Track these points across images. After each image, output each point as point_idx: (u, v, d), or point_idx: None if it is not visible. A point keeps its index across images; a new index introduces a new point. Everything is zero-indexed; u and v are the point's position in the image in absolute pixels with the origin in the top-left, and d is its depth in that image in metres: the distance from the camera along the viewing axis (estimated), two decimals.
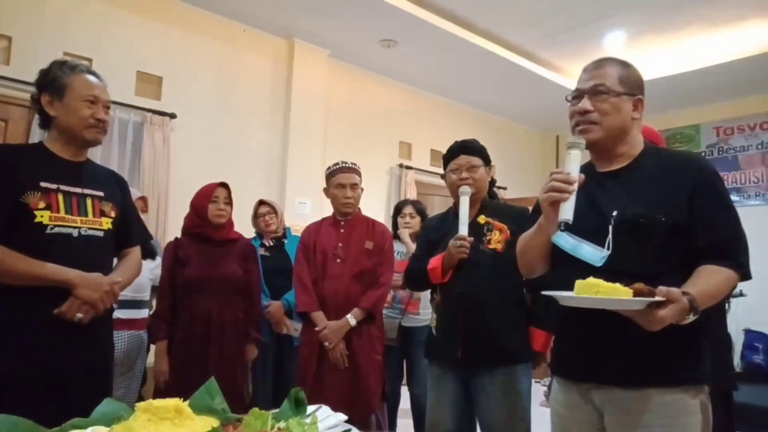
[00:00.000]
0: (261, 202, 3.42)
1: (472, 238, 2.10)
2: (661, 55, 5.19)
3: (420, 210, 3.55)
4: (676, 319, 1.19)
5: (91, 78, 1.78)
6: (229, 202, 2.73)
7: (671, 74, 5.41)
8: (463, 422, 2.16)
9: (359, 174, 2.77)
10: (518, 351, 2.10)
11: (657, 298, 1.17)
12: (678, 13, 4.41)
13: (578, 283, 1.26)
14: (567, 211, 1.33)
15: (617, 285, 1.19)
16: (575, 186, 1.34)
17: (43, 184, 1.66)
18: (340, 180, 2.71)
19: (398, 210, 3.62)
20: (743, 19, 4.47)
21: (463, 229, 2.11)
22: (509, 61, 5.21)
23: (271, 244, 3.30)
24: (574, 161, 1.38)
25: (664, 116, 6.32)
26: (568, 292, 1.28)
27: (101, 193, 1.80)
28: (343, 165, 2.75)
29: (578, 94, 1.47)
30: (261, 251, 3.24)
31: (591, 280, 1.23)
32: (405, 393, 3.43)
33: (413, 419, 3.31)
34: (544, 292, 1.35)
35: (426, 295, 3.31)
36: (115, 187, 1.90)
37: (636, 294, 1.18)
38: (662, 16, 4.47)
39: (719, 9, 4.31)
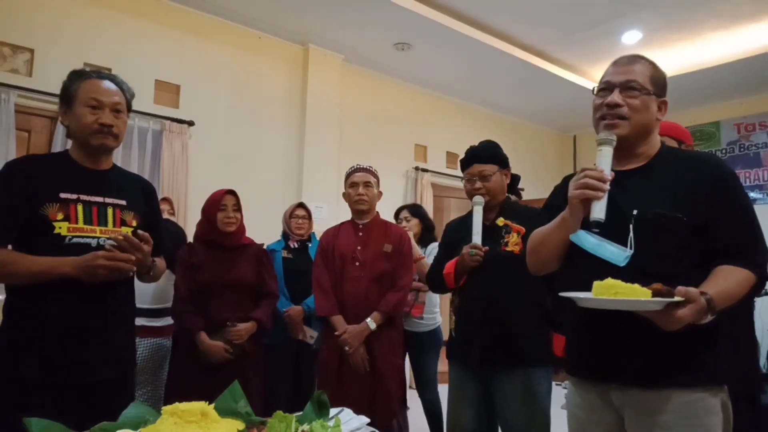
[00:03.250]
0: (300, 205, 3.49)
1: (486, 248, 2.12)
2: (679, 52, 5.11)
3: (415, 212, 3.63)
4: (694, 319, 1.17)
5: (98, 82, 1.71)
6: (238, 208, 2.72)
7: (689, 71, 5.34)
8: (484, 423, 2.15)
9: (375, 176, 2.79)
10: (536, 353, 2.08)
11: (676, 299, 1.15)
12: (695, 10, 4.35)
13: (596, 284, 1.24)
14: (599, 210, 1.29)
15: (636, 286, 1.18)
16: (608, 184, 1.30)
17: (62, 195, 1.65)
18: (354, 179, 2.75)
19: (396, 216, 3.71)
20: (762, 14, 4.39)
21: (477, 239, 2.14)
22: (525, 62, 5.17)
23: (296, 246, 3.34)
24: (606, 158, 1.35)
25: (683, 114, 6.22)
26: (585, 294, 1.25)
27: (123, 202, 1.79)
28: (359, 167, 2.79)
29: (608, 87, 1.44)
30: (284, 253, 3.28)
31: (609, 281, 1.21)
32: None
33: (429, 424, 3.31)
34: (561, 294, 1.31)
35: (431, 299, 3.36)
36: (139, 195, 1.88)
37: (655, 294, 1.16)
38: (679, 13, 4.41)
39: (737, 4, 4.24)
